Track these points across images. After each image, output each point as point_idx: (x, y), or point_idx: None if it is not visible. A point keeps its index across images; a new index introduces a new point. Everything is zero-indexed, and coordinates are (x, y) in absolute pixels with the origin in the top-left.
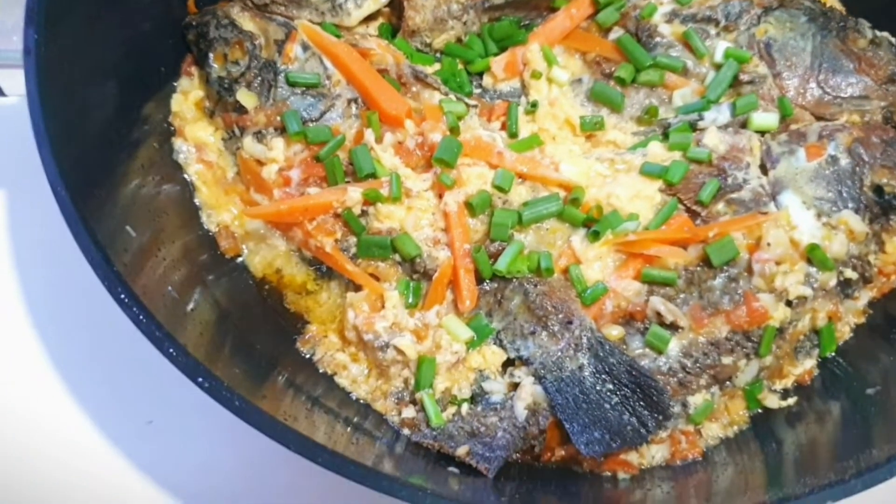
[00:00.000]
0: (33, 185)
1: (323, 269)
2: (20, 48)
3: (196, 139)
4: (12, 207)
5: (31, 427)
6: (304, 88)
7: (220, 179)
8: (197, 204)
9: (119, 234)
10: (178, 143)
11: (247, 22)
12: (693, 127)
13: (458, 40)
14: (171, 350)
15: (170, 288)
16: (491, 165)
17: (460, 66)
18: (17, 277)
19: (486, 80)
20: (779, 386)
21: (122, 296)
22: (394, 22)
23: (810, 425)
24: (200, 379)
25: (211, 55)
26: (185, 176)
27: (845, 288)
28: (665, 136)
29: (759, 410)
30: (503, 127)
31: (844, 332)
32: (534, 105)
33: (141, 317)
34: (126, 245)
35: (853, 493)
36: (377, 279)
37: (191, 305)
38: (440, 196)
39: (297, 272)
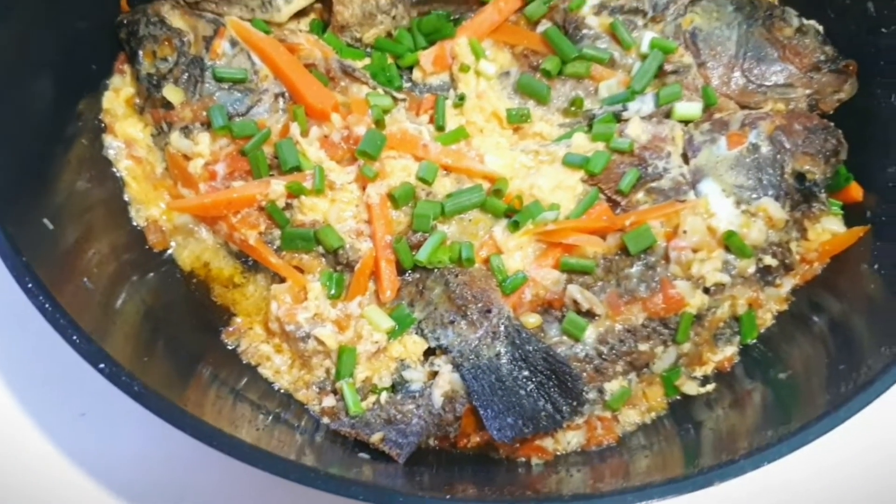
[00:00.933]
0: None
1: (250, 263)
2: None
3: (126, 135)
4: None
5: None
6: (230, 84)
7: (149, 175)
8: (126, 199)
9: (34, 226)
10: (108, 139)
11: (176, 19)
12: (618, 118)
13: (389, 35)
14: (74, 337)
15: (87, 281)
16: (416, 158)
17: (390, 61)
18: None
19: (416, 75)
20: (699, 373)
21: (29, 284)
22: (325, 18)
23: (728, 409)
24: (102, 365)
25: (140, 52)
26: (115, 171)
27: (766, 275)
28: (590, 127)
29: (678, 397)
30: (431, 120)
31: (766, 319)
32: (461, 98)
33: (46, 305)
34: (43, 238)
35: (760, 465)
36: (301, 271)
37: (116, 301)
38: (364, 188)
39: (225, 265)
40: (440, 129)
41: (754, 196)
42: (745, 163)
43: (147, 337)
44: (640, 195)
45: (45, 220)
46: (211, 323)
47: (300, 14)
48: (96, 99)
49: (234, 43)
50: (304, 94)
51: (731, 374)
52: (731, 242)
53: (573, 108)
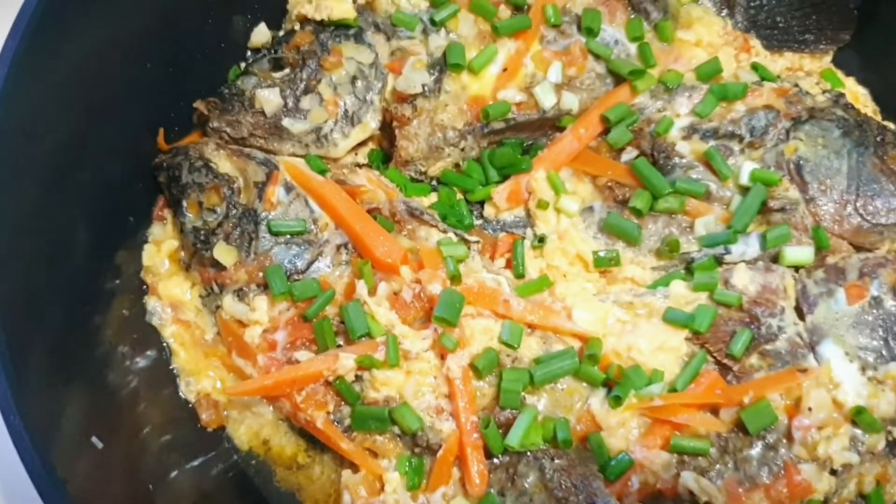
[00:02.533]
0: None
1: (316, 438)
2: None
3: (171, 297)
4: None
5: None
6: (288, 236)
7: (198, 341)
8: (174, 370)
9: (81, 449)
10: (151, 302)
11: (223, 162)
12: (719, 261)
13: (456, 166)
14: None
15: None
16: (496, 315)
17: (459, 196)
18: None
19: (488, 211)
20: None
21: None
22: (385, 147)
23: None
24: None
25: (185, 202)
26: (161, 339)
27: (894, 448)
28: (688, 271)
29: None
30: (508, 264)
31: (894, 493)
32: (541, 240)
33: None
34: (87, 461)
35: None
36: (375, 455)
37: (166, 494)
38: (441, 356)
39: (287, 443)
40: (520, 276)
41: (880, 360)
42: (868, 321)
43: None
44: (754, 359)
45: (95, 439)
46: None
47: (358, 145)
48: (135, 254)
49: (288, 188)
50: (370, 248)
51: None
52: (860, 419)
53: (668, 251)
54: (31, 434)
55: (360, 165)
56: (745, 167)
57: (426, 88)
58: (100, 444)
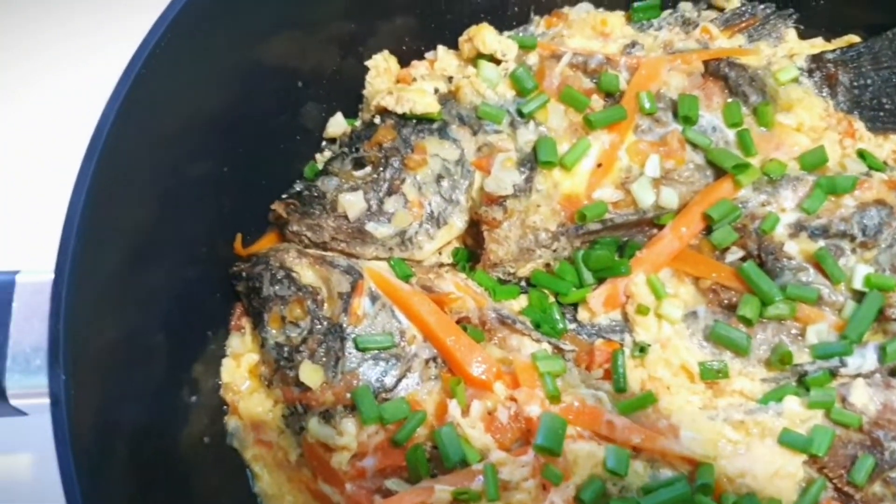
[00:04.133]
0: None
1: None
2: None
3: (252, 416)
4: None
5: None
6: (375, 352)
7: (281, 463)
8: (257, 494)
9: None
10: (232, 422)
11: (305, 271)
12: (833, 373)
13: (547, 265)
14: None
15: None
16: (598, 436)
17: (551, 299)
18: None
19: (582, 315)
20: None
21: None
22: (468, 244)
23: None
24: None
25: (266, 316)
26: (243, 462)
27: None
28: (800, 382)
29: None
30: (606, 375)
31: None
32: (643, 349)
33: None
34: None
35: None
36: None
37: None
38: (543, 486)
39: None
40: (620, 390)
41: None
42: None
43: None
44: (877, 487)
45: None
46: None
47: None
48: (213, 367)
49: (374, 298)
50: (462, 364)
51: None
52: None
53: (780, 362)
54: None
55: (443, 264)
56: (859, 270)
57: (516, 188)
58: None
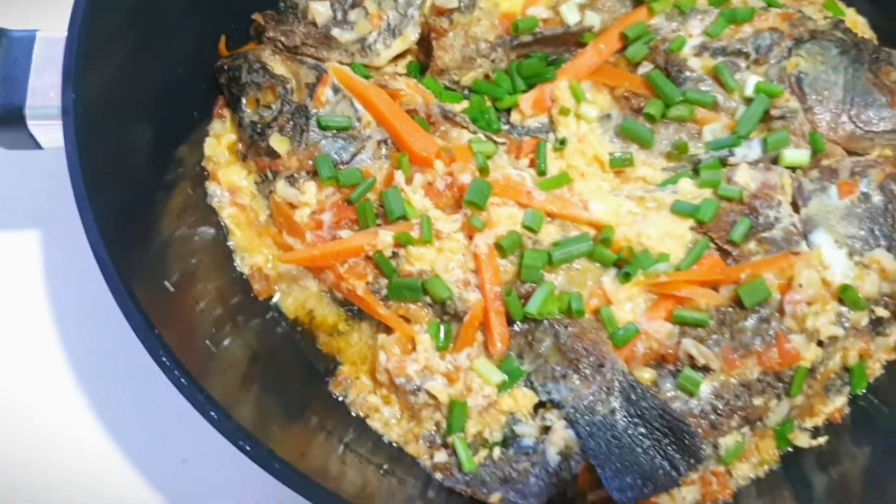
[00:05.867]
0: (69, 229)
1: (354, 310)
2: (57, 104)
3: (229, 183)
4: (48, 249)
5: (72, 466)
6: (335, 131)
7: (253, 222)
8: (230, 247)
9: (159, 292)
10: (211, 187)
11: (278, 65)
12: (723, 163)
13: (487, 77)
14: (212, 413)
15: (208, 342)
16: (520, 205)
17: (488, 104)
18: (53, 320)
19: (515, 117)
20: (809, 424)
21: (164, 359)
22: (422, 59)
23: (841, 464)
24: (241, 442)
25: (243, 100)
26: (219, 219)
27: (876, 326)
28: (695, 171)
29: (790, 449)
30: (532, 164)
31: (875, 368)
32: (562, 142)
33: (182, 380)
34: (165, 303)
35: None
36: (408, 321)
37: (224, 349)
38: (470, 237)
39: (329, 313)
40: (542, 173)
41: (867, 247)
42: (857, 213)
43: (256, 387)
44: (752, 245)
45: (167, 284)
46: (317, 372)
47: (397, 56)
48: (197, 146)
49: (336, 90)
50: (407, 142)
51: (842, 425)
52: (846, 296)
53: (677, 153)
54: (113, 260)
55: (399, 75)
56: (750, 80)
57: (462, 4)
58: (171, 288)
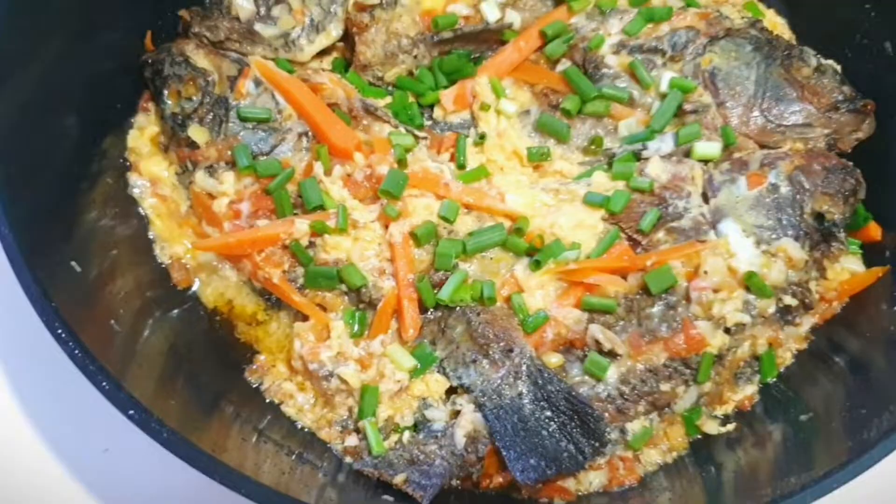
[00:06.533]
0: None
1: (273, 300)
2: None
3: (151, 174)
4: None
5: None
6: (255, 123)
7: (173, 213)
8: (151, 237)
9: (63, 269)
10: (133, 177)
11: (201, 59)
12: (637, 156)
13: (410, 73)
14: (104, 384)
15: (113, 322)
16: (438, 196)
17: (411, 99)
18: None
19: (437, 113)
20: (719, 412)
21: (59, 330)
22: (347, 56)
23: (749, 450)
24: (132, 412)
25: (165, 91)
26: (140, 210)
27: (785, 315)
28: (610, 165)
29: (699, 436)
30: (452, 159)
31: (786, 357)
32: (482, 137)
33: (76, 351)
34: (70, 280)
35: None
36: (324, 309)
37: (140, 338)
38: (386, 227)
39: (248, 303)
40: (461, 167)
41: (774, 236)
42: (765, 203)
43: (171, 375)
44: (661, 235)
45: (73, 263)
46: (234, 361)
47: (322, 53)
48: (121, 137)
49: (258, 83)
50: (327, 134)
51: (751, 413)
52: (751, 283)
53: (593, 147)
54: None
55: (323, 70)
56: (665, 76)
57: (383, 1)
58: (78, 269)
